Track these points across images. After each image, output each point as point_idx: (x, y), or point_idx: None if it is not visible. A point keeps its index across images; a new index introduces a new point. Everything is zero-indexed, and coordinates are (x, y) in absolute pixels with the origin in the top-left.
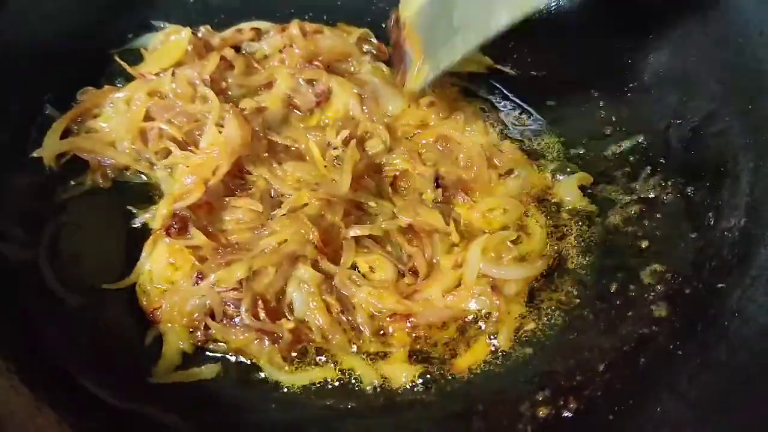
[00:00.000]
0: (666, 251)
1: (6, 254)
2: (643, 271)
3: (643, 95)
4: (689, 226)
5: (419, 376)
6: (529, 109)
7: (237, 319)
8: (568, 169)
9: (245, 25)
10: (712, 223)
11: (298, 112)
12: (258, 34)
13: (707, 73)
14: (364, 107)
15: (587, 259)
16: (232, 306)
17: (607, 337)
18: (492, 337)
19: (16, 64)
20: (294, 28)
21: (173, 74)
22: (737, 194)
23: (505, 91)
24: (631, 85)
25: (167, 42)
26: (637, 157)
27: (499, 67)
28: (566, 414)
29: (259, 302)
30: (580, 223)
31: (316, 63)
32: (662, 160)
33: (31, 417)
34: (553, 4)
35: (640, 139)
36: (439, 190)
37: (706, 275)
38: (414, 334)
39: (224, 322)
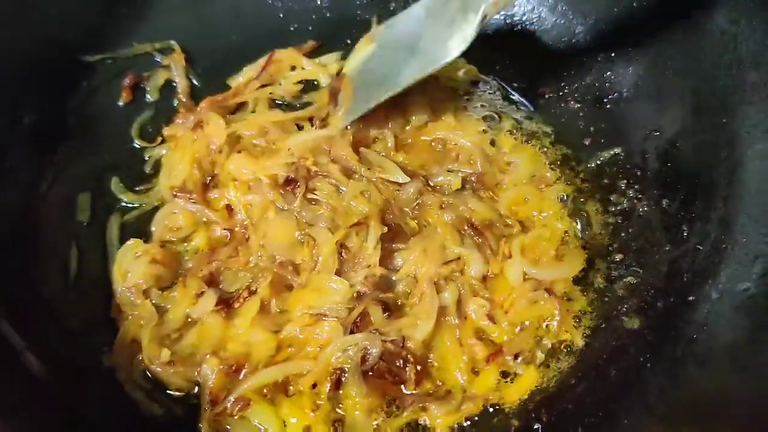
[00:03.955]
0: (640, 264)
1: None
2: (617, 283)
3: (621, 107)
4: (664, 238)
5: None
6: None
7: None
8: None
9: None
10: (686, 235)
11: None
12: None
13: (684, 86)
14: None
15: None
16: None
17: (580, 350)
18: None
19: None
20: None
21: None
22: (711, 207)
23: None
24: (609, 96)
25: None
26: (615, 168)
27: (482, 77)
28: (536, 426)
29: None
30: None
31: None
32: (638, 172)
33: None
34: (535, 17)
35: (618, 150)
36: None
37: (678, 288)
38: None
39: None
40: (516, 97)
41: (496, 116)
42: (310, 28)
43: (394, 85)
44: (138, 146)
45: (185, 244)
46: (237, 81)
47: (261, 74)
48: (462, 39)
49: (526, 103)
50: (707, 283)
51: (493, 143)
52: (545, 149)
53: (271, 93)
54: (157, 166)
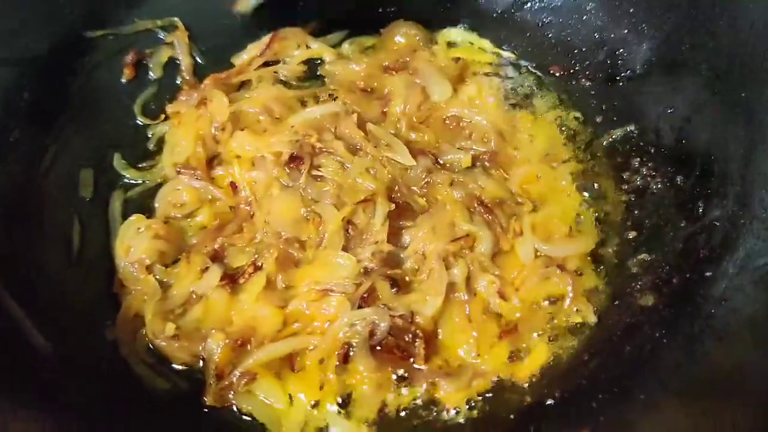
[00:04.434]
0: (654, 240)
1: None
2: (631, 260)
3: (634, 84)
4: (679, 215)
5: None
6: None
7: None
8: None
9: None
10: (701, 212)
11: None
12: None
13: (699, 62)
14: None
15: None
16: None
17: (593, 327)
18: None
19: None
20: None
21: None
22: (727, 183)
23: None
24: (623, 74)
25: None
26: (628, 146)
27: (498, 51)
28: (549, 401)
29: None
30: None
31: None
32: (652, 150)
33: None
34: None
35: (631, 128)
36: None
37: (694, 264)
38: None
39: None
40: (529, 74)
41: (513, 93)
42: (317, 7)
43: None
44: (141, 123)
45: (189, 220)
46: (241, 59)
47: (265, 52)
48: None
49: (539, 80)
50: (725, 259)
51: (509, 121)
52: (558, 128)
53: (275, 72)
54: (160, 143)
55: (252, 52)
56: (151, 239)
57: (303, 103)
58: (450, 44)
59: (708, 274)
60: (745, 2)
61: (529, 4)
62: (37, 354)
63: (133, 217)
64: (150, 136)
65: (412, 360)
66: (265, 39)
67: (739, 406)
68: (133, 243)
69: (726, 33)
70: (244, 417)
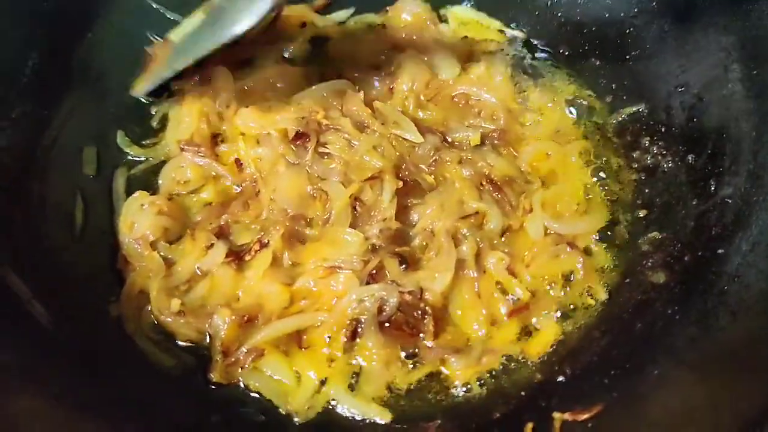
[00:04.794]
0: (665, 218)
1: None
2: (642, 238)
3: (645, 63)
4: (690, 193)
5: None
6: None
7: None
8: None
9: None
10: (713, 189)
11: None
12: None
13: (711, 39)
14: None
15: None
16: None
17: (604, 305)
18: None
19: None
20: None
21: None
22: (739, 160)
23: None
24: (633, 53)
25: None
26: (638, 125)
27: (507, 30)
28: (560, 378)
29: None
30: None
31: None
32: (663, 128)
33: None
34: None
35: (641, 107)
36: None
37: (706, 241)
38: None
39: None
40: (539, 53)
41: (522, 71)
42: None
43: (193, 54)
44: (144, 101)
45: (193, 196)
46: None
47: (269, 30)
48: (254, 12)
49: (548, 59)
50: (737, 236)
51: (519, 98)
52: (568, 106)
53: (282, 50)
54: (164, 120)
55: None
56: (155, 216)
57: (309, 81)
58: (458, 23)
59: (720, 251)
60: None
61: None
62: (41, 330)
63: (137, 194)
64: (154, 113)
65: (421, 336)
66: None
67: (754, 379)
68: (137, 219)
69: (737, 10)
70: (251, 393)
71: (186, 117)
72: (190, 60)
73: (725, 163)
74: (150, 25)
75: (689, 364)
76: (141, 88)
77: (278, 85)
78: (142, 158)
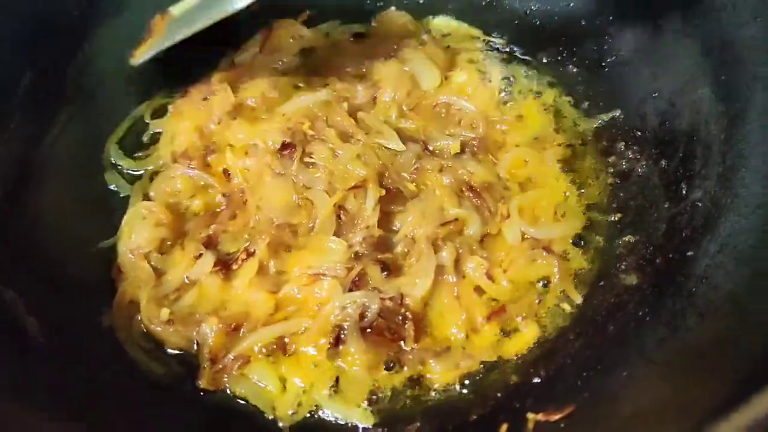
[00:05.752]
0: (639, 222)
1: None
2: (616, 242)
3: (620, 69)
4: (663, 196)
5: None
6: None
7: None
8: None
9: None
10: (684, 193)
11: None
12: None
13: (682, 45)
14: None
15: None
16: None
17: (578, 307)
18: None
19: None
20: None
21: None
22: (709, 163)
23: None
24: (608, 60)
25: None
26: (614, 130)
27: (488, 39)
28: (536, 380)
29: None
30: None
31: None
32: (637, 133)
33: None
34: None
35: (617, 113)
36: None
37: (677, 244)
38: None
39: None
40: (518, 61)
41: (502, 80)
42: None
43: (191, 26)
44: (146, 120)
45: (184, 206)
46: (242, 57)
47: (264, 47)
48: None
49: (528, 66)
50: (706, 238)
51: (498, 106)
52: (546, 113)
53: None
54: (157, 134)
55: (252, 49)
56: (153, 227)
57: (297, 91)
58: (440, 33)
59: (690, 253)
60: None
61: None
62: (32, 339)
63: (138, 205)
64: (147, 123)
65: (402, 341)
66: (260, 34)
67: (719, 377)
68: (136, 230)
69: (707, 16)
70: (239, 400)
71: (182, 132)
72: (189, 32)
73: (696, 167)
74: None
75: (658, 364)
76: (140, 56)
77: (270, 96)
78: (134, 170)
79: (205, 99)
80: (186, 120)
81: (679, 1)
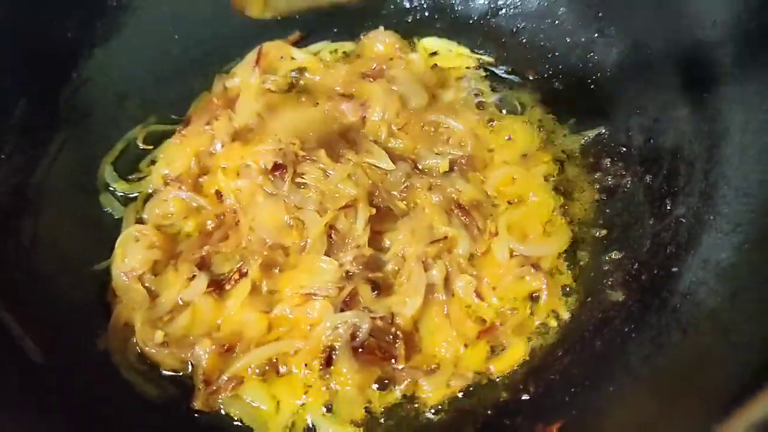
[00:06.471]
0: (625, 238)
1: None
2: (602, 258)
3: (605, 86)
4: (647, 213)
5: None
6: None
7: None
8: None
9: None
10: (668, 209)
11: None
12: None
13: (666, 64)
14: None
15: None
16: None
17: (566, 324)
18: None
19: None
20: None
21: None
22: (692, 180)
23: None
24: (594, 77)
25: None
26: (599, 147)
27: (475, 57)
28: (524, 397)
29: None
30: None
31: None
32: (623, 150)
33: None
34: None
35: (603, 129)
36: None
37: (661, 260)
38: None
39: None
40: (505, 79)
41: (490, 98)
42: (297, 17)
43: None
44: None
45: (176, 228)
46: (234, 83)
47: (256, 70)
48: None
49: (515, 84)
50: (690, 254)
51: (488, 124)
52: (534, 130)
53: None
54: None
55: (244, 73)
56: (146, 250)
57: (288, 111)
58: (429, 52)
59: (674, 269)
60: (706, 3)
61: (503, 11)
62: (29, 361)
63: (131, 228)
64: (141, 147)
65: (393, 360)
66: (251, 57)
67: (702, 392)
68: (128, 253)
69: (690, 35)
70: (233, 421)
71: (180, 157)
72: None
73: (680, 183)
74: (134, 63)
75: (643, 380)
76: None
77: (263, 117)
78: (128, 193)
79: (207, 124)
80: (187, 146)
81: (663, 19)
